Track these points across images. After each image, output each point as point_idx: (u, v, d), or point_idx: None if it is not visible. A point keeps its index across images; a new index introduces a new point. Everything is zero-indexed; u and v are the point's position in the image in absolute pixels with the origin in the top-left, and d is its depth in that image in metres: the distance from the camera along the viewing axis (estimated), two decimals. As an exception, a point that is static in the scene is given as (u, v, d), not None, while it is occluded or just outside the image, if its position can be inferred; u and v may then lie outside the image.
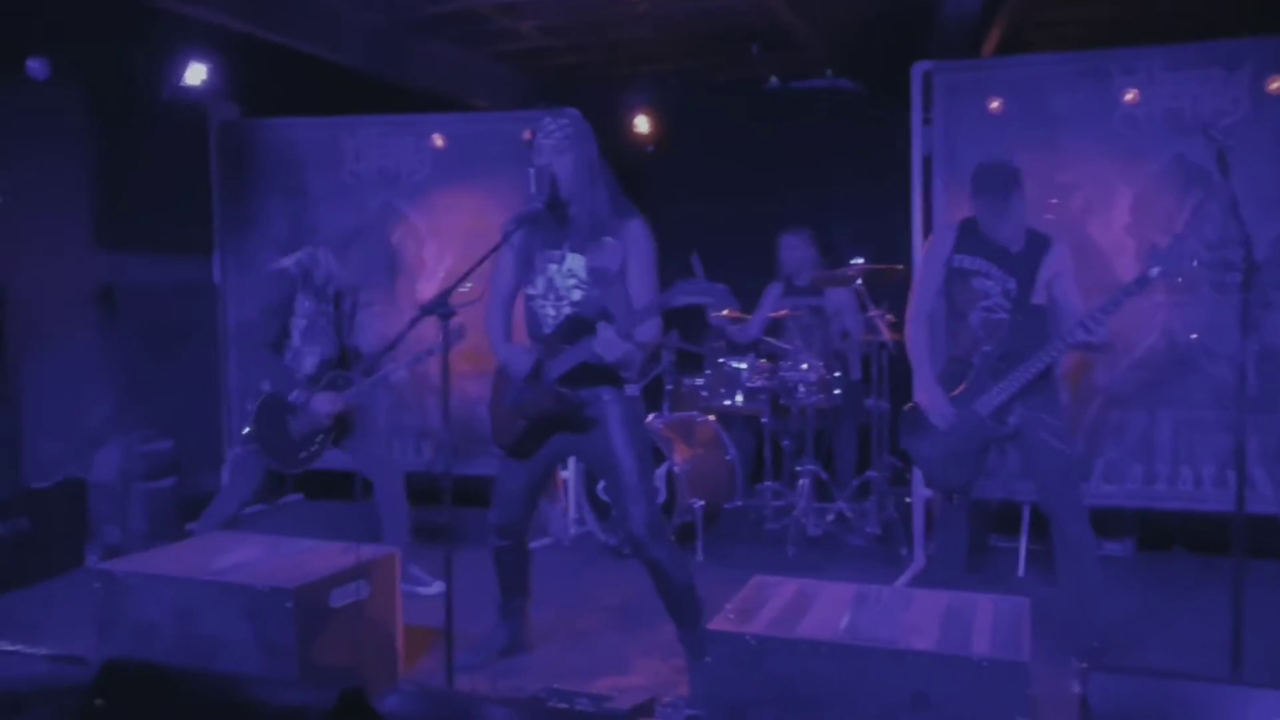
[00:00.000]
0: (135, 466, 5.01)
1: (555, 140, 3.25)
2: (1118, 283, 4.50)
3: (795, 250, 5.77)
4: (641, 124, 6.86)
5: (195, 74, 5.36)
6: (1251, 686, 1.99)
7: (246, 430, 4.22)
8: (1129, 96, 4.55)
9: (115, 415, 5.32)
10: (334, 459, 4.74)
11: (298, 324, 4.31)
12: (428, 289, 5.68)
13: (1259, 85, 4.39)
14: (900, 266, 5.19)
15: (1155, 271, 3.31)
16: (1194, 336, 4.52)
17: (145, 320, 5.60)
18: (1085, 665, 2.06)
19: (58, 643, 3.69)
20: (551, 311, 3.39)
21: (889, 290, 5.48)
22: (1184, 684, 2.01)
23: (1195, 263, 3.41)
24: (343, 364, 4.39)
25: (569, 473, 5.56)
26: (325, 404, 4.26)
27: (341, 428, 4.41)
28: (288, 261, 4.34)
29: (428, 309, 2.95)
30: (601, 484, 5.19)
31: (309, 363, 4.32)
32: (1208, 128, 3.01)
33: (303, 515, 6.18)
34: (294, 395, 4.25)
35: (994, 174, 3.63)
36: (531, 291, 3.43)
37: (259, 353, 4.36)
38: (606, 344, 3.17)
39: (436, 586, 4.49)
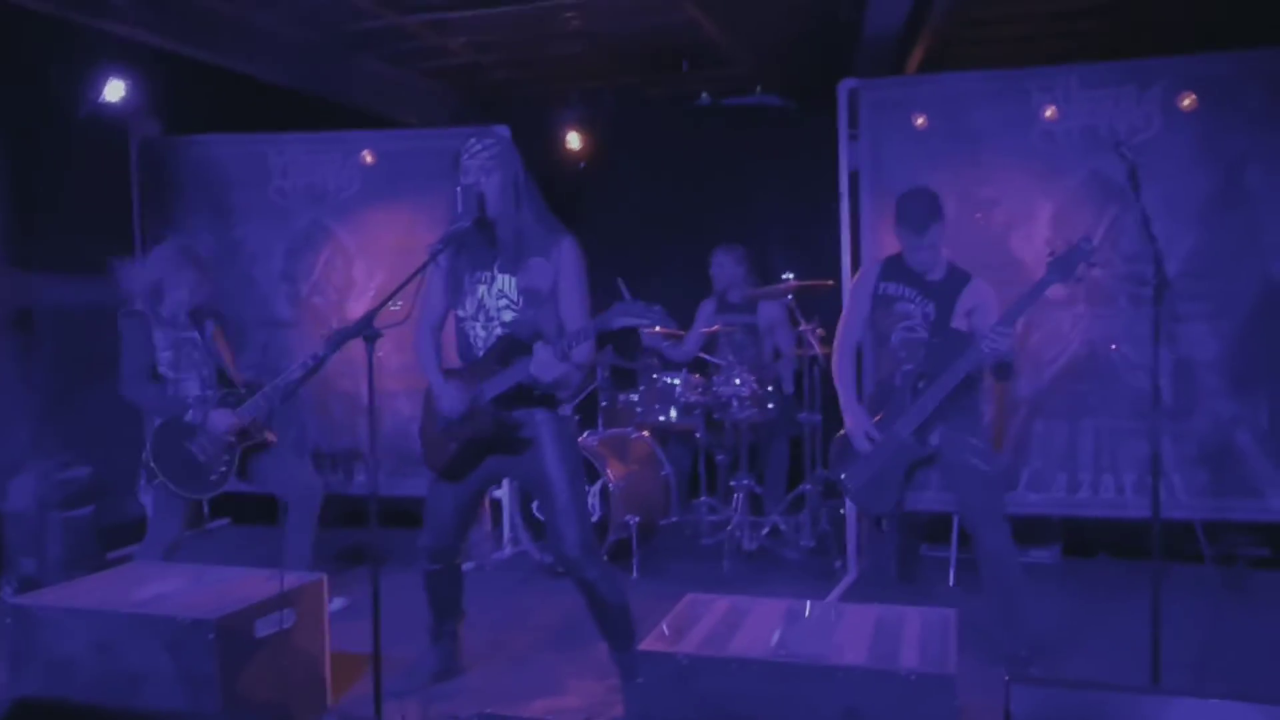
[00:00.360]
0: (51, 494, 4.85)
1: (481, 160, 3.23)
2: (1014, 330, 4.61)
3: (726, 268, 5.82)
4: (573, 140, 6.86)
5: (115, 90, 5.23)
6: (1169, 694, 2.03)
7: (149, 466, 4.12)
8: (1048, 113, 4.67)
9: (31, 442, 5.14)
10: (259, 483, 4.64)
11: (164, 357, 4.23)
12: (357, 308, 5.60)
13: (1170, 103, 4.53)
14: (831, 281, 5.25)
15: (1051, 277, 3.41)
16: (1114, 347, 4.63)
17: (64, 343, 5.43)
18: (1008, 678, 2.09)
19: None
20: (482, 333, 3.36)
21: (820, 304, 5.54)
22: (1104, 693, 2.05)
23: (1092, 263, 3.49)
24: (225, 383, 4.31)
25: (503, 492, 5.52)
26: (223, 419, 4.17)
27: (247, 446, 4.31)
28: (137, 304, 4.28)
29: (353, 331, 2.90)
30: (536, 503, 5.17)
31: (191, 388, 4.24)
32: (1119, 145, 3.08)
33: (230, 541, 6.05)
34: (190, 415, 4.17)
35: (916, 204, 3.73)
36: (461, 313, 3.39)
37: (133, 390, 4.23)
38: (543, 365, 3.15)
39: (337, 603, 4.45)
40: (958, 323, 3.72)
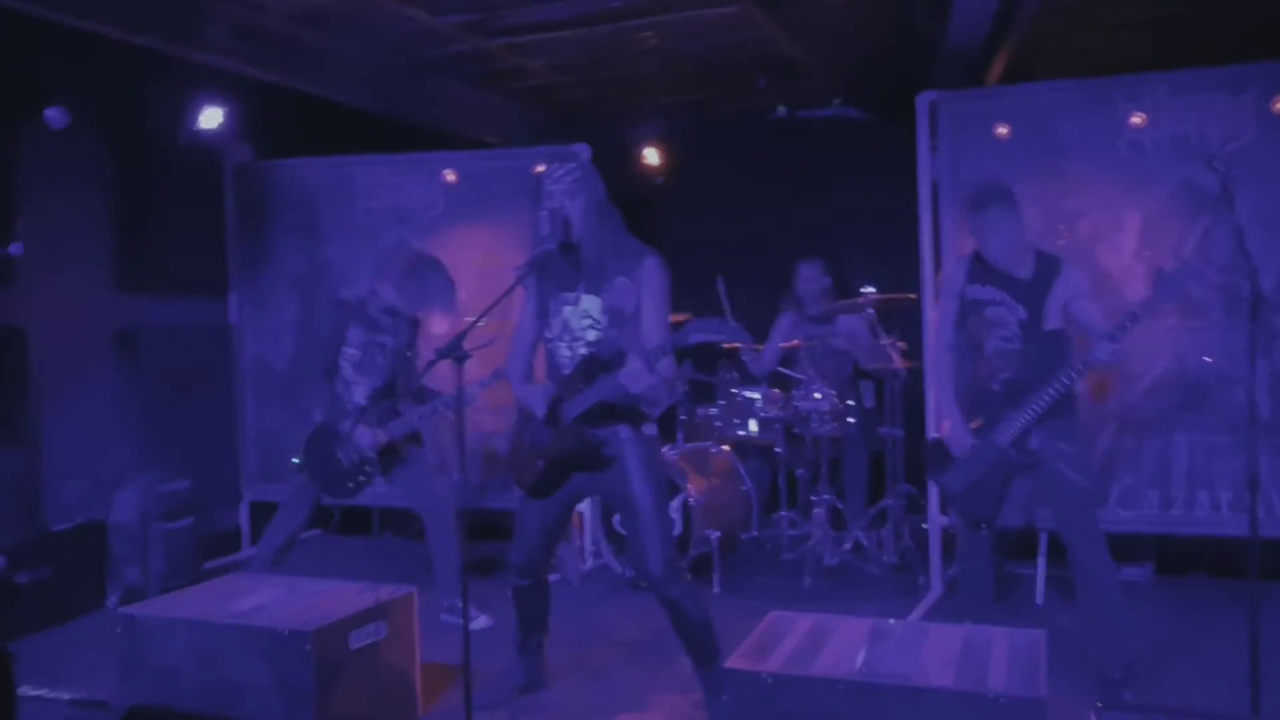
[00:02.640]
0: (153, 507, 5.05)
1: (565, 185, 3.29)
2: (1127, 308, 4.53)
3: (812, 281, 5.81)
4: (651, 156, 6.91)
5: (210, 118, 5.44)
6: (1268, 723, 1.98)
7: (296, 459, 4.30)
8: (1136, 121, 4.57)
9: (134, 456, 5.36)
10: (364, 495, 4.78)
11: (350, 355, 4.43)
12: (440, 326, 5.72)
13: (1265, 109, 4.41)
14: (911, 295, 5.21)
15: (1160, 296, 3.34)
16: (1207, 360, 4.51)
17: (163, 361, 5.66)
18: (1100, 704, 2.06)
19: (81, 687, 3.72)
20: (567, 353, 3.41)
21: (900, 318, 5.49)
22: (1200, 721, 2.01)
23: (1200, 287, 3.41)
24: (391, 395, 4.45)
25: (584, 506, 5.57)
26: (367, 436, 4.34)
27: (389, 460, 4.47)
28: (348, 294, 4.51)
29: (443, 353, 2.98)
30: (617, 517, 5.21)
31: (359, 393, 4.44)
32: (1211, 158, 3.02)
33: (322, 551, 6.21)
34: (343, 425, 4.34)
35: (984, 190, 3.73)
36: (548, 335, 3.46)
37: (314, 383, 4.46)
38: (633, 375, 3.16)
39: (482, 620, 4.55)
40: (1051, 323, 3.64)
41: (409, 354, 4.56)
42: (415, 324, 4.63)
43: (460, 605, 4.44)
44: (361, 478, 4.38)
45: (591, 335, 3.35)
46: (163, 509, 5.09)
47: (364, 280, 4.55)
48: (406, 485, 4.59)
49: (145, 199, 5.61)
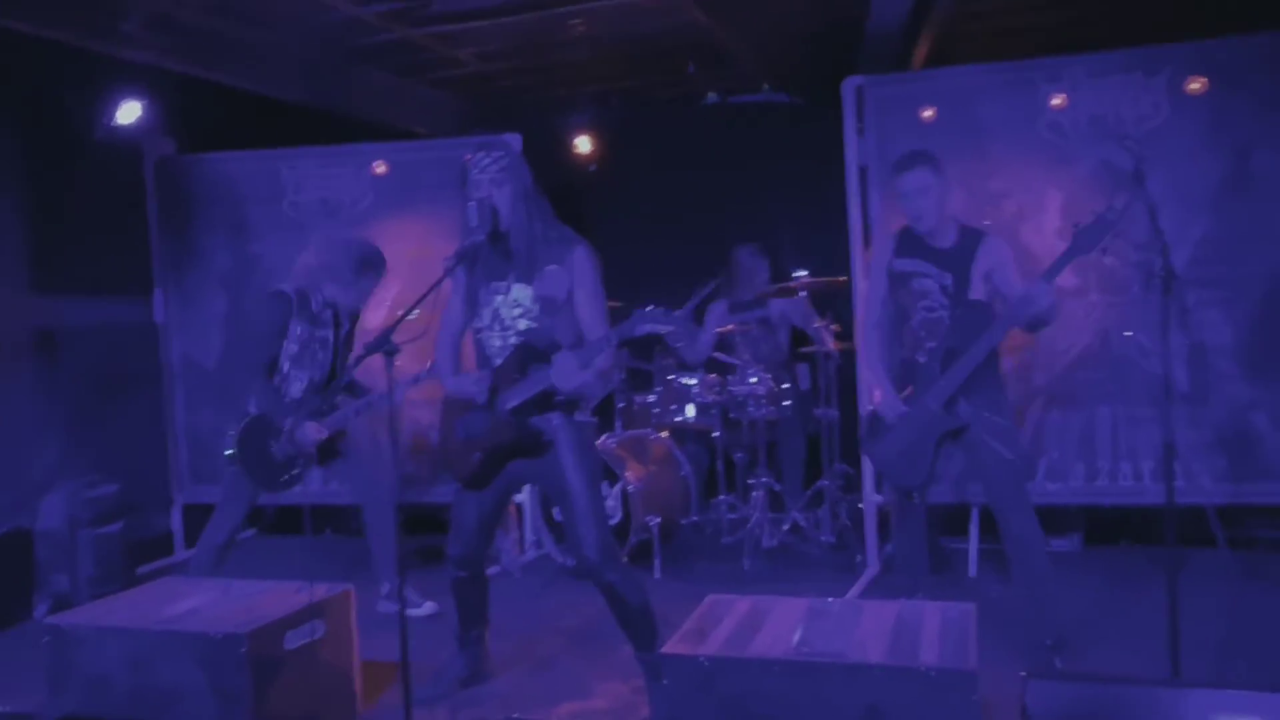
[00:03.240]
0: (81, 512, 4.92)
1: (491, 174, 3.27)
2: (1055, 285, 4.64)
3: (751, 266, 5.85)
4: (583, 144, 6.89)
5: (129, 112, 5.30)
6: (1188, 686, 2.05)
7: (229, 451, 4.21)
8: (1056, 102, 4.67)
9: (60, 461, 5.23)
10: (291, 495, 4.71)
11: (289, 349, 4.35)
12: (374, 318, 5.65)
13: (1178, 89, 4.53)
14: (844, 278, 5.27)
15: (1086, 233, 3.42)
16: (1128, 335, 4.64)
17: (87, 363, 5.51)
18: (1025, 674, 2.12)
19: (8, 700, 3.63)
20: (498, 343, 3.40)
21: (833, 301, 5.56)
22: (1122, 687, 2.07)
23: (1118, 232, 3.48)
24: (325, 389, 4.40)
25: (524, 496, 5.57)
26: (312, 432, 4.27)
27: (326, 454, 4.43)
28: (286, 286, 4.38)
29: (372, 347, 2.95)
30: (557, 508, 5.21)
31: (296, 387, 4.37)
32: (1124, 139, 3.10)
33: (256, 551, 6.11)
34: (284, 420, 4.29)
35: (909, 154, 3.81)
36: (478, 324, 3.44)
37: (249, 374, 4.36)
38: (564, 373, 3.18)
39: (427, 607, 4.55)
40: (976, 291, 3.72)
41: (346, 348, 4.53)
42: (354, 318, 4.59)
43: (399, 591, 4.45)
44: (296, 470, 4.32)
45: (523, 325, 3.34)
46: (91, 514, 4.96)
47: (298, 273, 4.45)
48: (347, 477, 4.56)
49: (63, 196, 5.45)
